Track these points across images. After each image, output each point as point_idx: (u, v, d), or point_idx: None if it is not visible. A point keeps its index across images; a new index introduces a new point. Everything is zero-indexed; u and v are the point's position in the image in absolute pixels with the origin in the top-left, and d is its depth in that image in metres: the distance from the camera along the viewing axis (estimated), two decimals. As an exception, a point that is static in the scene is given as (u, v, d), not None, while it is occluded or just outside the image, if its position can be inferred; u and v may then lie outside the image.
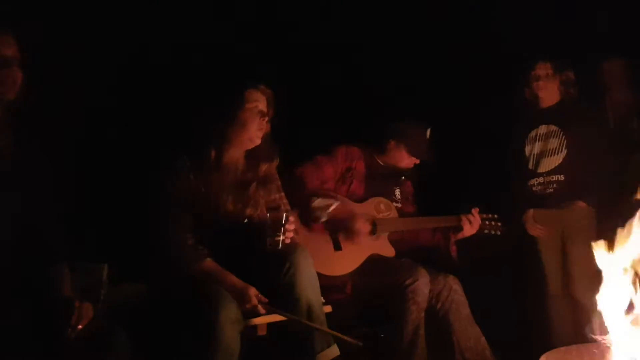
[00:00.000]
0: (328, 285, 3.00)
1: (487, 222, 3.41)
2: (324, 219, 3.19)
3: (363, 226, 3.25)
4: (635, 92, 3.82)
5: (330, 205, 3.17)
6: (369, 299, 3.18)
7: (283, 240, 2.68)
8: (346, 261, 3.24)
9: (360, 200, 3.39)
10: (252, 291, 2.58)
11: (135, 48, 3.46)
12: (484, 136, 3.94)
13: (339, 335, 2.60)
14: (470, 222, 3.34)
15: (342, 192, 3.35)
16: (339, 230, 3.25)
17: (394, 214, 3.43)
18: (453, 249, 3.42)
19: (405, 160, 3.47)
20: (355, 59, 4.05)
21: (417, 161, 3.49)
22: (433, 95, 4.03)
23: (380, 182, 3.46)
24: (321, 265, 3.02)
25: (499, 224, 3.43)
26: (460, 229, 3.35)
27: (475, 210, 3.37)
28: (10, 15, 2.41)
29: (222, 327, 2.39)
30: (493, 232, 3.43)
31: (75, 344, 2.10)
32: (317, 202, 3.18)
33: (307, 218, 3.21)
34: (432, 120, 3.51)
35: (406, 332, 3.04)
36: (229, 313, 2.43)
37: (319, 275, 2.81)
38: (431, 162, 3.50)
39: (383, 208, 3.42)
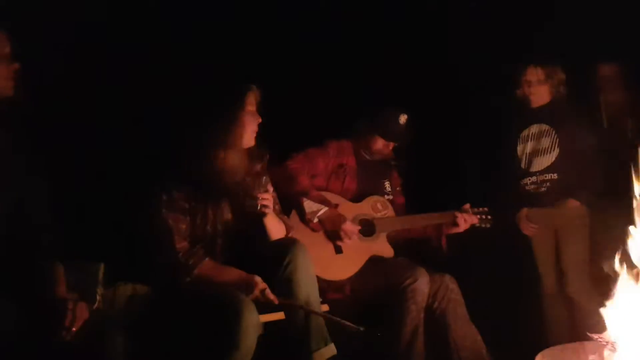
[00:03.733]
0: (327, 285, 3.00)
1: (477, 216, 3.43)
2: (315, 221, 3.22)
3: (351, 227, 3.26)
4: (628, 93, 3.84)
5: (319, 210, 3.21)
6: (367, 299, 3.18)
7: (261, 205, 2.69)
8: (347, 265, 3.25)
9: (355, 196, 3.41)
10: (258, 279, 2.60)
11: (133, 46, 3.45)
12: (475, 134, 3.95)
13: (340, 320, 2.60)
14: (464, 219, 3.36)
15: (336, 187, 3.37)
16: (331, 234, 3.26)
17: (390, 212, 3.45)
18: (443, 241, 3.43)
19: (381, 144, 3.47)
20: (349, 57, 4.04)
21: (392, 145, 3.49)
22: (425, 93, 4.02)
23: (370, 176, 3.48)
24: (323, 269, 3.04)
25: (489, 217, 3.44)
26: (455, 224, 3.36)
27: (467, 206, 3.39)
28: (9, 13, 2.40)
29: (245, 333, 2.42)
30: (483, 226, 3.44)
31: (71, 344, 2.09)
32: (307, 204, 3.22)
33: (302, 219, 3.23)
34: (423, 119, 3.52)
35: (405, 332, 3.05)
36: (252, 319, 2.45)
37: (321, 279, 2.84)
38: (406, 145, 3.51)
39: (380, 207, 3.43)
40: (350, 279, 3.23)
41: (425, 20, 4.11)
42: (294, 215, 3.23)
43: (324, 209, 3.22)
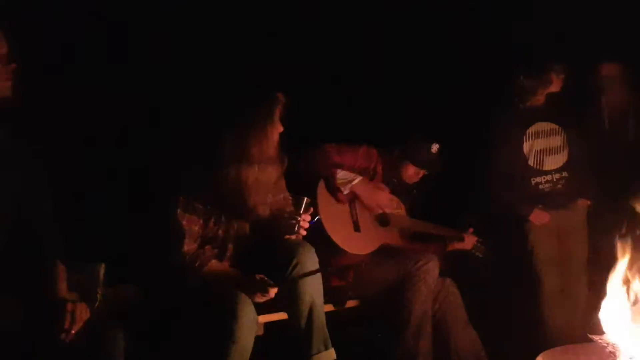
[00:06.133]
0: (331, 272, 3.02)
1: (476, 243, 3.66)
2: (346, 192, 3.24)
3: (387, 197, 3.36)
4: (630, 93, 3.84)
5: (354, 179, 3.25)
6: (374, 285, 3.20)
7: (298, 225, 2.70)
8: (364, 243, 3.31)
9: None
10: (259, 277, 2.61)
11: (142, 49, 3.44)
12: (473, 133, 3.90)
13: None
14: (468, 238, 3.61)
15: None
16: (363, 202, 3.31)
17: (403, 211, 3.53)
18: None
19: (412, 171, 3.53)
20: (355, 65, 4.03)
21: (423, 173, 3.55)
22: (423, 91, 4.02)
23: (392, 189, 3.50)
24: (343, 241, 3.13)
25: (483, 247, 3.68)
26: (460, 239, 3.58)
27: (470, 230, 3.62)
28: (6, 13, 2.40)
29: (241, 332, 2.42)
30: (477, 254, 3.69)
31: (71, 344, 2.08)
32: (341, 174, 3.25)
33: (330, 188, 3.24)
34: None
35: (415, 314, 3.07)
36: (248, 318, 2.45)
37: (337, 248, 2.98)
38: (437, 174, 3.59)
39: (395, 205, 3.49)
40: (361, 258, 3.26)
41: (424, 16, 4.09)
42: (321, 185, 3.23)
43: (358, 178, 3.27)
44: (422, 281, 3.11)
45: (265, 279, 2.62)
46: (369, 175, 3.41)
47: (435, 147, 3.50)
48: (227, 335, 2.41)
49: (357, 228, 3.31)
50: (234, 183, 2.67)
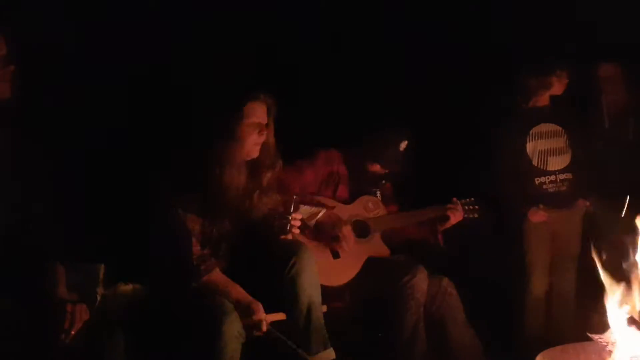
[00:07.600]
0: (327, 292, 2.99)
1: (466, 207, 3.43)
2: (312, 223, 3.14)
3: (348, 232, 3.22)
4: (629, 93, 3.84)
5: (317, 213, 3.15)
6: (368, 302, 3.17)
7: (290, 225, 2.68)
8: (346, 269, 3.22)
9: (348, 202, 3.38)
10: (258, 306, 2.56)
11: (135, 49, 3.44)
12: (468, 132, 3.90)
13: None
14: (454, 211, 3.36)
15: (327, 196, 3.33)
16: (327, 239, 3.22)
17: (382, 210, 3.42)
18: (440, 238, 3.43)
19: (377, 168, 3.45)
20: (343, 57, 4.01)
21: (388, 170, 3.47)
22: (418, 93, 4.01)
23: (362, 183, 3.44)
24: (322, 276, 2.95)
25: (477, 207, 3.45)
26: (446, 218, 3.35)
27: (454, 200, 3.40)
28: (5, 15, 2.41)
29: (225, 340, 2.39)
30: (471, 216, 3.44)
31: (71, 345, 2.09)
32: (303, 210, 3.12)
33: None
34: (414, 115, 3.52)
35: (405, 329, 3.05)
36: (233, 327, 2.42)
37: (322, 286, 2.80)
38: (403, 171, 3.49)
39: (372, 207, 3.39)
40: (349, 283, 3.20)
41: (427, 18, 4.09)
42: None
43: (322, 211, 3.16)
44: (410, 297, 3.07)
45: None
46: (333, 180, 3.35)
47: (403, 145, 3.39)
48: (212, 347, 2.38)
49: (335, 255, 3.23)
50: (216, 181, 2.64)
